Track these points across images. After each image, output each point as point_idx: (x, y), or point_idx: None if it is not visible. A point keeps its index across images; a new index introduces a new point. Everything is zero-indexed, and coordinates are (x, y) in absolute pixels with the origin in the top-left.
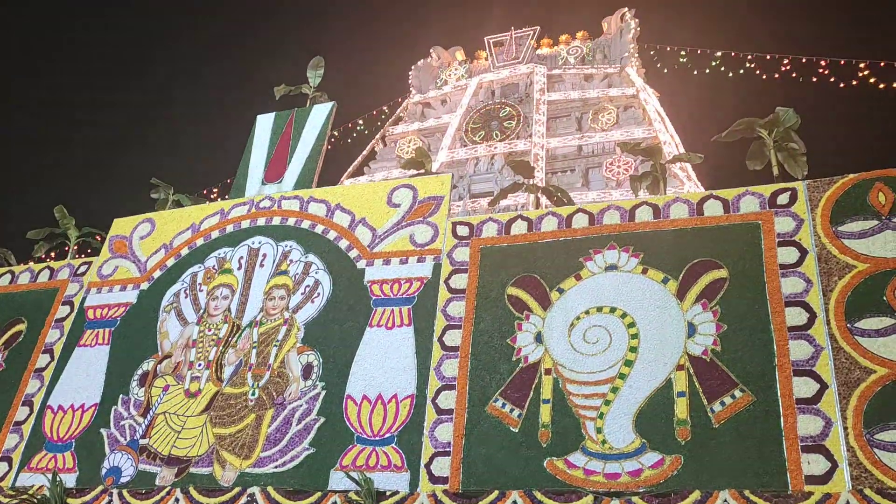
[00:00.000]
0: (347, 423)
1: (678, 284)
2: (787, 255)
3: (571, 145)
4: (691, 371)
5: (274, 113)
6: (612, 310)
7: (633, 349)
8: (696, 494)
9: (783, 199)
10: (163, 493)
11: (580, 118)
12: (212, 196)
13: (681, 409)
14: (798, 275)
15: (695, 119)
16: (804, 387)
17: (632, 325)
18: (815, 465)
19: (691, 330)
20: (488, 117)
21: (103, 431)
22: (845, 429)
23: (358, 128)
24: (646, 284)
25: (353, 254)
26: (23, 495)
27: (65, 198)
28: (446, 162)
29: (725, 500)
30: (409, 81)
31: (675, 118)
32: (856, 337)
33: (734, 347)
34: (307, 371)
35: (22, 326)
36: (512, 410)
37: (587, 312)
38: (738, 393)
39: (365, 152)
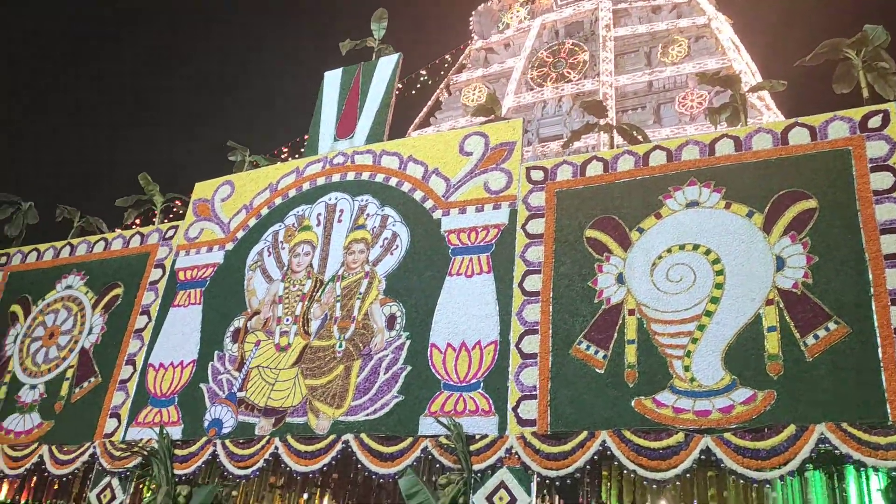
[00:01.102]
0: (433, 370)
1: (764, 217)
2: (881, 180)
3: (641, 82)
4: (781, 305)
5: (341, 69)
6: (696, 247)
7: (719, 286)
8: (791, 429)
9: (875, 122)
10: (262, 442)
11: (649, 53)
12: (283, 156)
13: (772, 344)
14: (893, 201)
15: (772, 45)
16: None
17: (716, 261)
18: None
19: (780, 263)
20: (554, 59)
21: (203, 386)
22: None
23: (421, 79)
24: (730, 219)
25: (428, 204)
26: (134, 448)
27: (147, 166)
28: (513, 107)
29: (822, 433)
30: (471, 27)
31: (750, 46)
32: None
33: (827, 279)
34: (391, 322)
35: (119, 290)
36: (597, 352)
37: (669, 251)
38: (832, 325)
39: (430, 103)
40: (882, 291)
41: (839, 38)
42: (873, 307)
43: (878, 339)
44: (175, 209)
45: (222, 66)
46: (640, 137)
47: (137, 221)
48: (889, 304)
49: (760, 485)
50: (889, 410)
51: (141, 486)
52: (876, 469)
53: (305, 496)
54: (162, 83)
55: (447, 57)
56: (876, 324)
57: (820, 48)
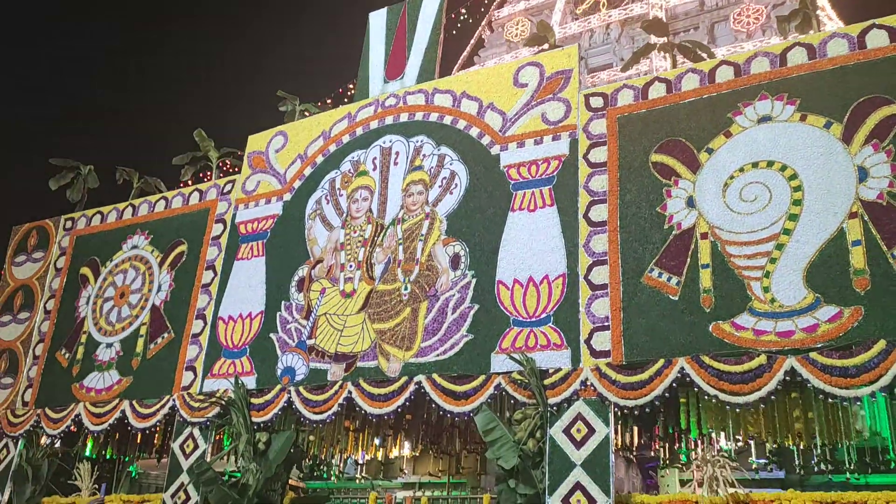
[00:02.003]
0: (501, 307)
1: (843, 127)
2: None
3: (693, 0)
4: (866, 217)
5: (386, 8)
6: (770, 163)
7: (797, 202)
8: (882, 344)
9: None
10: (336, 388)
11: None
12: (328, 102)
13: (857, 258)
14: None
15: None
16: None
17: (793, 177)
18: None
19: (862, 174)
20: None
21: (273, 336)
22: None
23: (461, 17)
24: (806, 132)
25: (485, 140)
26: (212, 398)
27: (200, 122)
28: (559, 39)
29: None
30: None
31: None
32: None
33: None
34: (455, 261)
35: (183, 247)
36: (670, 279)
37: (741, 170)
38: None
39: (473, 41)
40: None
41: None
42: None
43: None
44: (228, 165)
45: (266, 18)
46: (704, 55)
47: (191, 180)
48: None
49: (850, 402)
50: None
51: (220, 434)
52: None
53: (378, 440)
54: (209, 40)
55: None
56: None
57: None
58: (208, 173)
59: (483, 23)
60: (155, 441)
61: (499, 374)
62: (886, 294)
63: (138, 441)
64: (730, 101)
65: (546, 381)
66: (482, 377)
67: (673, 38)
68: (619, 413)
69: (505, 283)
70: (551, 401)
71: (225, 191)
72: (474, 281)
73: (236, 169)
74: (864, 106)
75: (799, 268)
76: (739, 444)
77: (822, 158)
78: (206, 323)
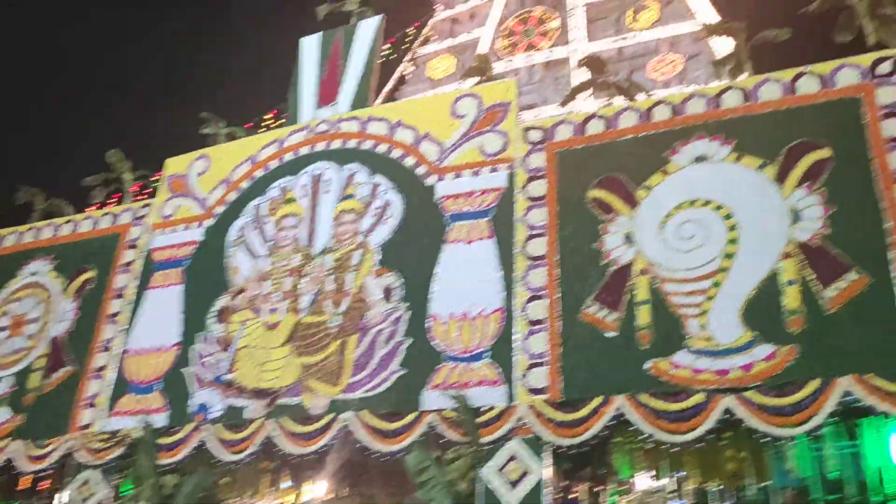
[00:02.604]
0: (435, 341)
1: (777, 169)
2: (894, 127)
3: (613, 48)
4: (800, 258)
5: (319, 34)
6: (707, 202)
7: (733, 241)
8: (816, 383)
9: (884, 67)
10: (255, 426)
11: (618, 19)
12: (259, 126)
13: (791, 298)
14: None
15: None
16: None
17: (729, 216)
18: None
19: (796, 215)
20: (523, 26)
21: (187, 370)
22: None
23: (385, 52)
24: (741, 173)
25: (420, 170)
26: (115, 439)
27: (113, 143)
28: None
29: (846, 386)
30: None
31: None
32: None
33: (845, 229)
34: (388, 293)
35: (91, 274)
36: (608, 315)
37: (679, 208)
38: (852, 276)
39: (396, 76)
40: None
41: None
42: (893, 256)
43: None
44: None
45: (191, 36)
46: (640, 94)
47: (98, 204)
48: None
49: (785, 442)
50: None
51: (122, 478)
52: None
53: (289, 483)
54: (127, 54)
55: (409, 31)
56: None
57: None
58: (115, 197)
59: (406, 59)
60: (46, 486)
61: (431, 411)
62: (819, 334)
63: (19, 489)
64: (667, 140)
65: (480, 419)
66: (413, 415)
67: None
68: (555, 452)
69: (439, 317)
70: (485, 439)
71: (139, 215)
72: (407, 314)
73: (149, 193)
74: (796, 149)
75: (735, 306)
76: (661, 483)
77: (757, 199)
78: (112, 356)
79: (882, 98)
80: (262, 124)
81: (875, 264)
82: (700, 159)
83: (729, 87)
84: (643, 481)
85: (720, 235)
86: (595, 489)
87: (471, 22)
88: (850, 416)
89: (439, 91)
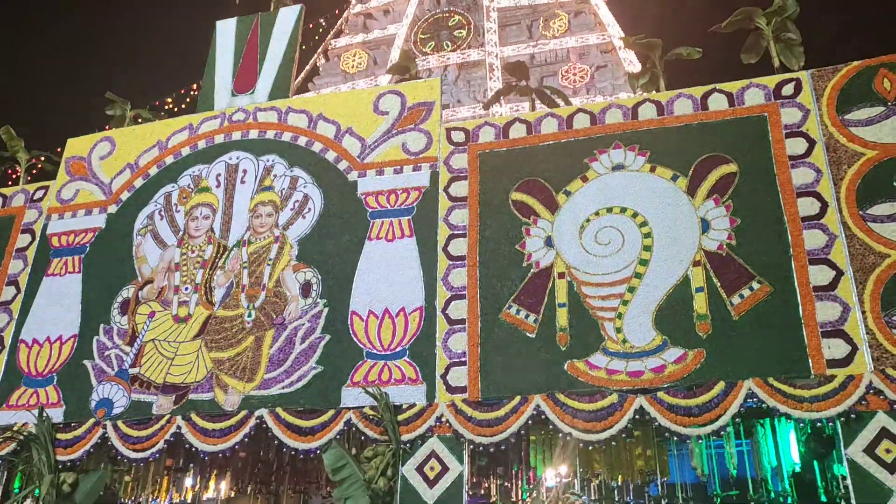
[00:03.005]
0: (355, 338)
1: (688, 181)
2: (796, 146)
3: (525, 54)
4: (708, 266)
5: (235, 18)
6: (623, 210)
7: (648, 248)
8: (721, 385)
9: (788, 89)
10: (162, 422)
11: (531, 26)
12: (165, 108)
13: (700, 304)
14: (808, 165)
15: (659, 19)
16: (820, 274)
17: (644, 223)
18: (835, 349)
19: (705, 226)
20: (437, 27)
21: (87, 363)
22: (863, 313)
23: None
24: (655, 183)
25: (342, 165)
26: (6, 433)
27: (9, 118)
28: (392, 77)
29: (750, 389)
30: None
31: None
32: (868, 223)
33: (749, 240)
34: (306, 289)
35: None
36: (527, 316)
37: (597, 214)
38: (755, 285)
39: (308, 67)
40: (800, 252)
41: (752, 8)
42: (793, 267)
43: (799, 297)
44: (40, 168)
45: (100, 13)
46: (560, 101)
47: None
48: (807, 263)
49: (692, 441)
50: (811, 365)
51: (15, 475)
52: (801, 421)
53: (190, 480)
54: (31, 27)
55: (321, 21)
56: (796, 283)
57: (735, 16)
58: (12, 175)
59: (319, 50)
60: None
61: (350, 408)
62: (725, 338)
63: None
64: (586, 147)
65: (400, 417)
66: (331, 412)
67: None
68: (473, 451)
69: (359, 314)
70: (404, 437)
71: (35, 197)
72: (326, 310)
73: (48, 174)
74: (706, 162)
75: (649, 310)
76: (565, 480)
77: (669, 208)
78: (3, 346)
79: (786, 118)
80: (165, 108)
81: (776, 275)
82: (617, 168)
83: (645, 100)
84: (551, 477)
85: (636, 242)
86: (505, 485)
87: (385, 18)
88: (752, 416)
89: (353, 85)
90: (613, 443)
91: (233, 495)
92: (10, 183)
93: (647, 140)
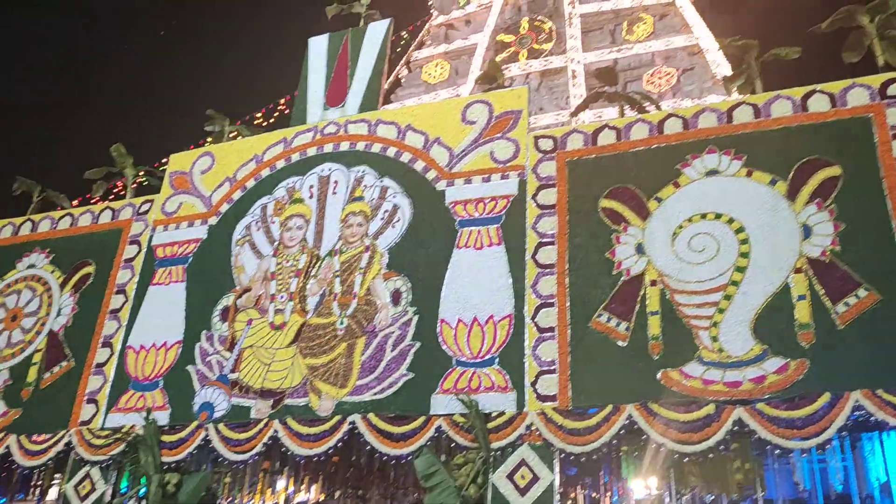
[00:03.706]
0: (444, 346)
1: (788, 185)
2: None
3: (608, 59)
4: (810, 273)
5: (327, 35)
6: (718, 216)
7: (745, 255)
8: (826, 397)
9: (893, 89)
10: (260, 426)
11: (613, 30)
12: (257, 122)
13: (802, 312)
14: None
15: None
16: None
17: (740, 230)
18: None
19: (807, 231)
20: (519, 35)
21: (190, 368)
22: None
23: None
24: (752, 187)
25: (430, 175)
26: (116, 435)
27: (116, 137)
28: (475, 87)
29: (857, 401)
30: (430, 3)
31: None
32: None
33: (855, 246)
34: (396, 297)
35: (90, 269)
36: (618, 324)
37: (690, 220)
38: (862, 292)
39: (390, 79)
40: None
41: (854, 6)
42: None
43: None
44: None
45: (195, 37)
46: (650, 107)
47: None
48: None
49: (797, 455)
50: None
51: (121, 476)
52: None
53: (283, 483)
54: (132, 49)
55: (403, 34)
56: None
57: (836, 15)
58: (114, 192)
59: (401, 62)
60: (43, 481)
61: (440, 415)
62: (830, 348)
63: (18, 481)
64: (678, 153)
65: (490, 425)
66: (422, 419)
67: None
68: (564, 460)
69: (448, 322)
70: (494, 445)
71: (141, 210)
72: (416, 318)
73: (149, 189)
74: (807, 166)
75: (747, 319)
76: (655, 492)
77: (768, 214)
78: (112, 351)
79: (892, 119)
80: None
81: (884, 282)
82: (711, 173)
83: (741, 103)
84: (640, 489)
85: (732, 249)
86: (593, 495)
87: (466, 28)
88: (859, 430)
89: (434, 96)
90: (711, 455)
91: (322, 499)
92: (111, 197)
93: (744, 144)
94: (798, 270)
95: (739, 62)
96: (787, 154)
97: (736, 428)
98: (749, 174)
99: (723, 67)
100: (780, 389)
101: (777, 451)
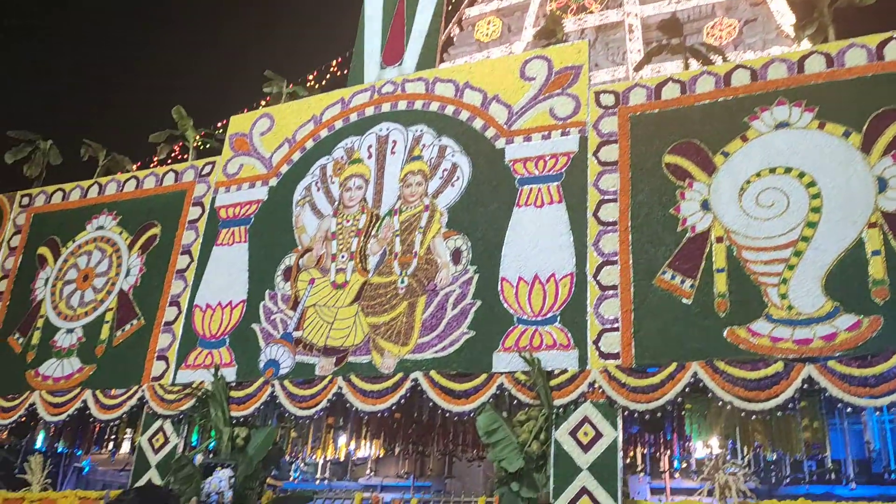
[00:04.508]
0: (505, 304)
1: (862, 137)
2: None
3: (666, 11)
4: (885, 228)
5: None
6: (788, 170)
7: (816, 209)
8: None
9: None
10: (325, 382)
11: None
12: (313, 84)
13: (876, 268)
14: None
15: None
16: None
17: (811, 184)
18: None
19: (882, 184)
20: None
21: (255, 326)
22: None
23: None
24: (824, 140)
25: (489, 133)
26: (186, 390)
27: (175, 100)
28: (532, 42)
29: None
30: None
31: None
32: None
33: None
34: (456, 256)
35: (156, 230)
36: (683, 282)
37: (758, 175)
38: None
39: (442, 38)
40: None
41: None
42: None
43: None
44: (204, 145)
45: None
46: (716, 59)
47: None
48: None
49: (870, 412)
50: None
51: (192, 429)
52: None
53: (344, 439)
54: (185, 10)
55: None
56: None
57: None
58: (177, 154)
59: (453, 20)
60: (117, 434)
61: (501, 373)
62: None
63: (93, 434)
64: (746, 106)
65: (552, 382)
66: (483, 376)
67: (646, 49)
68: (628, 417)
69: (509, 280)
70: (557, 402)
71: (203, 172)
72: (476, 276)
73: (211, 151)
74: (882, 117)
75: (817, 276)
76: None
77: (840, 167)
78: (180, 310)
79: None
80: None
81: None
82: (781, 126)
83: (812, 52)
84: (700, 448)
85: (802, 204)
86: (655, 454)
87: None
88: None
89: (487, 54)
90: (779, 413)
91: (382, 454)
92: (170, 161)
93: (815, 95)
94: (872, 225)
95: (810, 10)
96: (862, 105)
97: (805, 386)
98: (821, 126)
99: (787, 17)
100: (853, 347)
101: (848, 410)
